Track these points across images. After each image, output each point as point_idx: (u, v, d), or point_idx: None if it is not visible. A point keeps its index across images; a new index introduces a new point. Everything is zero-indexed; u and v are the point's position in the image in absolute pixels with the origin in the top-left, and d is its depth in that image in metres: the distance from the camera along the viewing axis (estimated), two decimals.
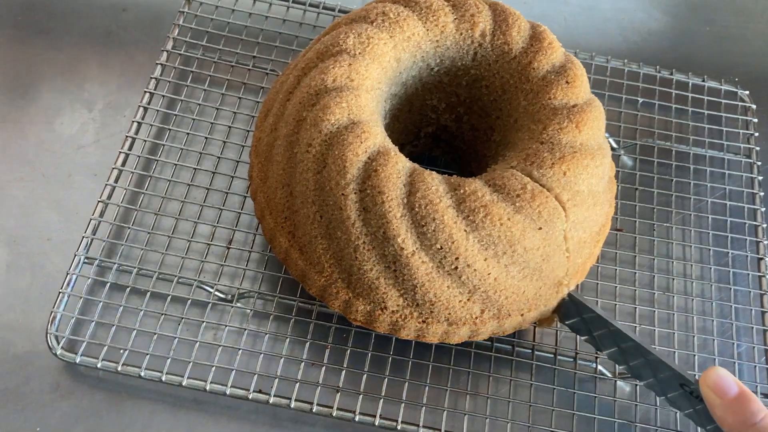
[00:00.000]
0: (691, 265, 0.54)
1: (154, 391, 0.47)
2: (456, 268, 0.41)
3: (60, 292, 0.48)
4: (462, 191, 0.40)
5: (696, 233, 0.56)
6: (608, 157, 0.46)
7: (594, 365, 0.49)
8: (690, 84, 0.63)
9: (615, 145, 0.59)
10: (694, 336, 0.51)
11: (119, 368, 0.46)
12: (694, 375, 0.50)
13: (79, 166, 0.56)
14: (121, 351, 0.47)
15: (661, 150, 0.59)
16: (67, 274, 0.49)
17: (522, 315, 0.45)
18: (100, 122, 0.58)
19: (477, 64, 0.48)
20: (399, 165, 0.41)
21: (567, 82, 0.45)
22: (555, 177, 0.42)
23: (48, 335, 0.47)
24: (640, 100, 0.62)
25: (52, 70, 0.61)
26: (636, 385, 0.49)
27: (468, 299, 0.43)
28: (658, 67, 0.63)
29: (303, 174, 0.43)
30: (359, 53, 0.44)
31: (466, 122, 0.51)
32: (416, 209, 0.40)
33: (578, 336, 0.49)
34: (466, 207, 0.40)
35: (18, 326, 0.49)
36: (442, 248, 0.40)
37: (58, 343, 0.47)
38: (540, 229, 0.41)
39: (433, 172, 0.42)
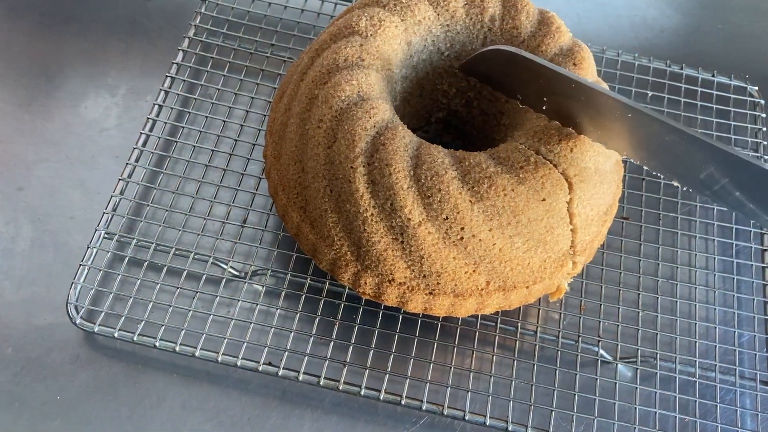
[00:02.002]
0: (696, 255, 0.55)
1: (170, 363, 0.49)
2: (462, 238, 0.42)
3: (80, 265, 0.50)
4: (467, 163, 0.41)
5: (702, 224, 0.56)
6: None
7: (596, 349, 0.50)
8: (699, 79, 0.63)
9: None
10: (696, 323, 0.52)
11: (135, 338, 0.48)
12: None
13: (102, 148, 0.58)
14: (138, 322, 0.48)
15: None
16: (88, 247, 0.51)
17: (527, 287, 0.45)
18: (122, 107, 0.60)
19: None
20: (406, 139, 0.42)
21: (574, 63, 0.46)
22: (562, 153, 0.43)
23: (68, 305, 0.49)
24: (650, 93, 0.62)
25: (78, 57, 0.62)
26: (636, 368, 0.50)
27: (474, 270, 0.44)
28: (668, 61, 0.64)
29: (314, 149, 0.44)
30: (371, 35, 0.45)
31: (476, 107, 0.52)
32: (422, 181, 0.41)
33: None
34: (470, 178, 0.41)
35: (41, 300, 0.51)
36: (447, 218, 0.41)
37: (78, 313, 0.49)
38: (543, 200, 0.42)
39: (439, 146, 0.43)
